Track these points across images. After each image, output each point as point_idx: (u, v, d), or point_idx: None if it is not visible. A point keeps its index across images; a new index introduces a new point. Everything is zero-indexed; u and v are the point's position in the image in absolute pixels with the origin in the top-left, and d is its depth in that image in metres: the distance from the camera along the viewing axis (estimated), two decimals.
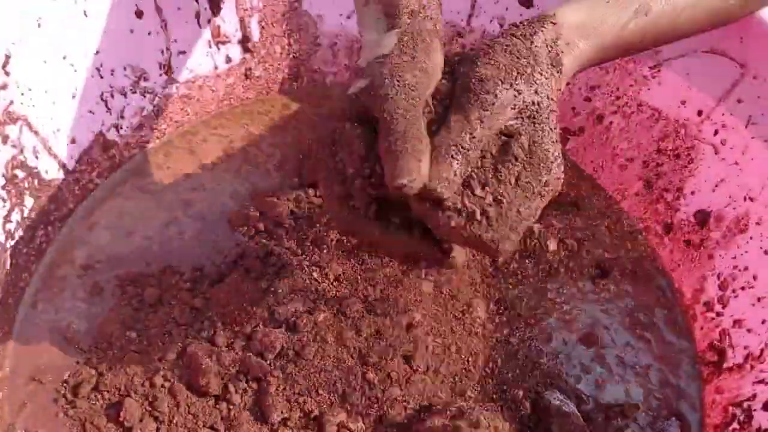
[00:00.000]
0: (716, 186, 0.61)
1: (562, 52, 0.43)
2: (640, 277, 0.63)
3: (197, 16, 0.67)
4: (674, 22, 0.47)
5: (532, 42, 0.42)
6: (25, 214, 0.59)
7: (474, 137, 0.39)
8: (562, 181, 0.42)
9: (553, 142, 0.41)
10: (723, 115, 0.59)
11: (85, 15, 0.59)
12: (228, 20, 0.69)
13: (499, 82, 0.40)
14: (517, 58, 0.41)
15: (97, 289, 0.58)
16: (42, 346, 0.55)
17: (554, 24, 0.43)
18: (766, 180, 0.57)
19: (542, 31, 0.43)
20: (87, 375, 0.52)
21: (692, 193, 0.63)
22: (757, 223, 0.57)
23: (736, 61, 0.57)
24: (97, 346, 0.54)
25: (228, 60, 0.71)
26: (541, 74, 0.42)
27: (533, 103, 0.41)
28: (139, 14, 0.63)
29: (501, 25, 0.69)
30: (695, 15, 0.48)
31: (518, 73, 0.41)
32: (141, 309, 0.56)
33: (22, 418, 0.51)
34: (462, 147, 0.39)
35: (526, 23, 0.44)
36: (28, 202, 0.59)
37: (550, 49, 0.43)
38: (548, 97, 0.42)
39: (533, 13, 0.67)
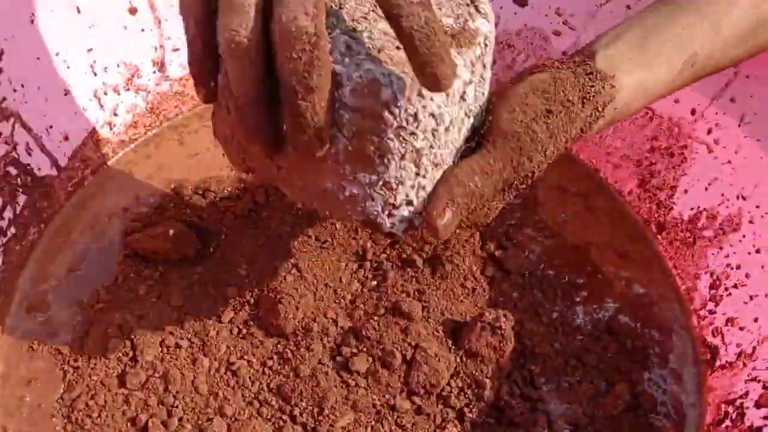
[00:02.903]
0: (709, 185, 0.61)
1: (607, 115, 0.42)
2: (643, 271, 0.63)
3: None
4: (721, 62, 0.46)
5: (590, 100, 0.41)
6: (18, 212, 0.58)
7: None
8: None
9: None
10: (716, 114, 0.60)
11: (78, 11, 0.59)
12: None
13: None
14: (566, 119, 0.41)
15: (88, 287, 0.58)
16: (35, 347, 0.55)
17: (613, 87, 0.42)
18: (758, 179, 0.57)
19: (602, 92, 0.42)
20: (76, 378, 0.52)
21: (685, 191, 0.63)
22: (750, 222, 0.58)
23: None
24: (85, 347, 0.54)
25: None
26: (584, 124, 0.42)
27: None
28: (132, 11, 0.63)
29: (495, 24, 0.69)
30: (743, 51, 0.46)
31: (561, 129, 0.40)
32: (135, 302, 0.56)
33: (15, 421, 0.51)
34: (480, 197, 0.39)
35: (590, 78, 0.42)
36: (21, 199, 0.59)
37: (598, 109, 0.42)
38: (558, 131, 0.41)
39: (527, 13, 0.67)
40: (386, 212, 0.40)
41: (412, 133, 0.37)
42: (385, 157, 0.37)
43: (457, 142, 0.40)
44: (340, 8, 0.38)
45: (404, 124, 0.36)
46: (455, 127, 0.39)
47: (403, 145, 0.37)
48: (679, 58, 0.44)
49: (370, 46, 0.36)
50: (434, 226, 0.38)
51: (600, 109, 0.42)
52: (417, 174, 0.39)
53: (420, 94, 0.36)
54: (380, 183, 0.38)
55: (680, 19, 0.44)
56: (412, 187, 0.39)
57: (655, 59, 0.43)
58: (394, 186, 0.39)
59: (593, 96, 0.41)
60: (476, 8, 0.41)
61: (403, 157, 0.38)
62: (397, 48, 0.36)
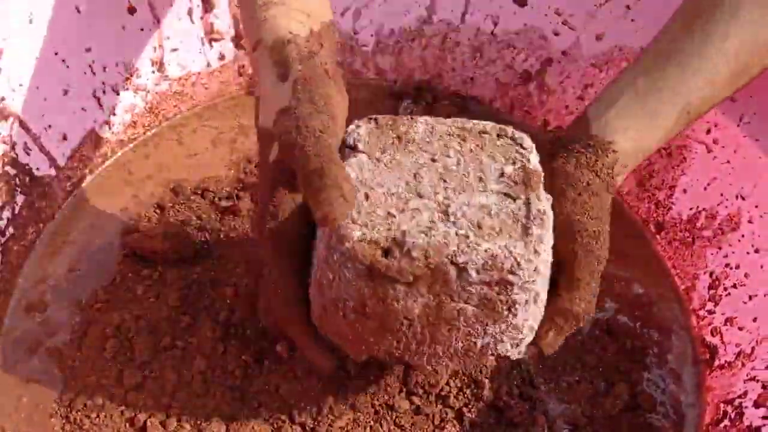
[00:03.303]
0: (708, 184, 0.61)
1: (618, 174, 0.45)
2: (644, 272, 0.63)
3: (190, 12, 0.67)
4: (714, 101, 0.47)
5: (598, 174, 0.44)
6: (16, 211, 0.58)
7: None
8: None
9: (587, 284, 0.44)
10: (715, 114, 0.60)
11: (78, 11, 0.59)
12: (221, 17, 0.69)
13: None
14: (588, 194, 0.44)
15: (87, 287, 0.58)
16: (33, 346, 0.55)
17: (615, 152, 0.45)
18: (757, 178, 0.57)
19: (606, 160, 0.44)
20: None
21: (684, 191, 0.63)
22: (749, 222, 0.58)
23: None
24: (83, 347, 0.54)
25: (221, 57, 0.71)
26: (600, 211, 0.44)
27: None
28: (131, 10, 0.63)
29: (495, 24, 0.69)
30: (736, 87, 0.48)
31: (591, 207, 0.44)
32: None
33: (13, 421, 0.51)
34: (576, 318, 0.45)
35: (590, 150, 0.45)
36: (19, 199, 0.58)
37: (608, 174, 0.44)
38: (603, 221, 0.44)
39: (527, 12, 0.67)
40: (514, 345, 0.43)
41: (534, 281, 0.40)
42: (513, 308, 0.40)
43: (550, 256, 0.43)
44: (421, 197, 0.41)
45: (527, 279, 0.39)
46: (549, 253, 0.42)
47: (527, 293, 0.40)
48: (674, 110, 0.45)
49: (471, 223, 0.40)
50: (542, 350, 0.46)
51: (608, 173, 0.44)
52: (537, 308, 0.42)
53: (536, 251, 0.39)
54: (509, 328, 0.42)
55: (673, 74, 0.45)
56: (533, 318, 0.43)
57: (652, 117, 0.45)
58: (521, 326, 0.42)
59: (600, 172, 0.44)
60: (522, 146, 0.44)
61: (527, 302, 0.41)
62: (489, 215, 0.40)
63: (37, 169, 0.60)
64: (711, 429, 0.53)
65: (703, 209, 0.61)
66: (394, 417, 0.50)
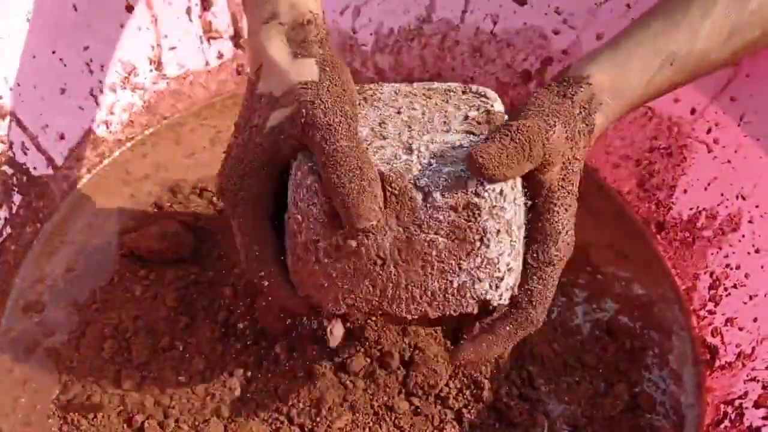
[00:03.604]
0: (709, 184, 0.61)
1: (595, 111, 0.44)
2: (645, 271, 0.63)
3: (188, 11, 0.67)
4: (704, 61, 0.47)
5: (572, 101, 0.43)
6: (14, 211, 0.58)
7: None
8: (572, 248, 0.44)
9: (566, 209, 0.43)
10: (716, 113, 0.59)
11: (75, 9, 0.59)
12: (219, 16, 0.69)
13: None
14: (565, 117, 0.42)
15: (84, 287, 0.58)
16: (31, 347, 0.54)
17: (590, 85, 0.44)
18: (758, 178, 0.57)
19: (580, 92, 0.43)
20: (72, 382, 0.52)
21: (685, 191, 0.63)
22: (750, 222, 0.57)
23: None
24: (81, 348, 0.54)
25: (219, 56, 0.71)
26: (574, 140, 0.43)
27: (569, 161, 0.43)
28: (129, 9, 0.63)
29: (495, 23, 0.69)
30: (728, 52, 0.47)
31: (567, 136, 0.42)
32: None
33: (10, 422, 0.51)
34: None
35: (564, 83, 0.44)
36: (17, 198, 0.58)
37: (584, 108, 0.43)
38: (577, 158, 0.43)
39: (527, 11, 0.67)
40: (494, 286, 0.42)
41: (502, 208, 0.40)
42: (484, 237, 0.40)
43: (521, 196, 0.43)
44: (385, 138, 0.42)
45: (495, 202, 0.39)
46: (520, 191, 0.42)
47: (497, 221, 0.40)
48: (655, 56, 0.45)
49: (434, 154, 0.40)
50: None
51: (585, 107, 0.43)
52: (511, 242, 0.41)
53: None
54: (485, 263, 0.41)
55: (654, 26, 0.46)
56: (509, 254, 0.42)
57: (628, 58, 0.45)
58: (497, 260, 0.41)
59: (573, 97, 0.43)
60: (486, 96, 0.45)
61: (498, 232, 0.40)
62: (452, 148, 0.41)
63: (35, 168, 0.60)
64: (711, 430, 0.53)
65: (704, 209, 0.61)
66: (393, 418, 0.50)
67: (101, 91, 0.64)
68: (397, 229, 0.39)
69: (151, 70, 0.67)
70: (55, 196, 0.62)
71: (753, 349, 0.54)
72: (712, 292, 0.59)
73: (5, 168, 0.57)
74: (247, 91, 0.45)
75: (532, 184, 0.42)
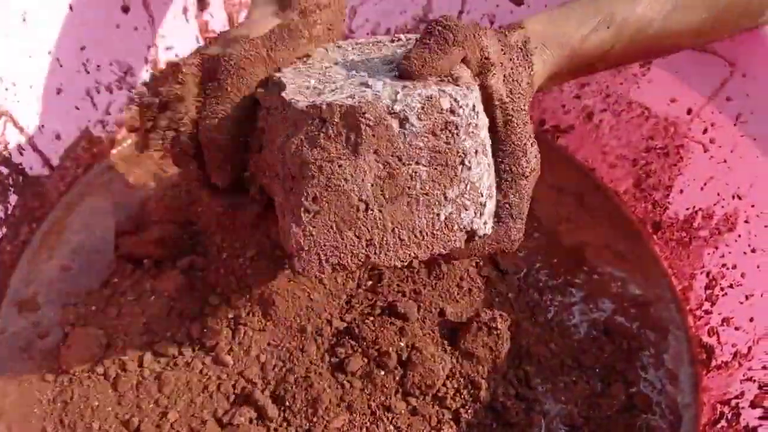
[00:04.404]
0: (705, 184, 0.61)
1: (532, 54, 0.45)
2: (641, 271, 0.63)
3: (185, 11, 0.67)
4: (645, 31, 0.48)
5: (506, 37, 0.44)
6: (9, 211, 0.58)
7: None
8: (539, 160, 0.45)
9: (524, 123, 0.43)
10: (712, 113, 0.60)
11: (71, 9, 0.59)
12: (216, 16, 0.69)
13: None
14: (501, 41, 0.44)
15: (80, 288, 0.57)
16: (25, 348, 0.54)
17: (522, 28, 0.46)
18: (754, 178, 0.57)
19: (514, 32, 0.45)
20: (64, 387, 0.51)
21: (681, 191, 0.63)
22: (746, 222, 0.57)
23: (726, 60, 0.57)
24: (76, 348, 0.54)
25: None
26: (513, 62, 0.44)
27: (511, 78, 0.44)
28: (125, 9, 0.63)
29: (491, 23, 0.69)
30: (671, 29, 0.48)
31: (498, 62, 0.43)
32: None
33: (5, 423, 0.50)
34: None
35: (499, 28, 0.46)
36: (12, 198, 0.58)
37: (521, 49, 0.45)
38: (521, 84, 0.44)
39: (524, 11, 0.67)
40: (479, 213, 0.41)
41: (476, 125, 0.39)
42: (465, 158, 0.39)
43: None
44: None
45: (470, 119, 0.39)
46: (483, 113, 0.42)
47: (474, 140, 0.39)
48: (592, 15, 0.46)
49: (393, 81, 0.40)
50: None
51: (521, 47, 0.45)
52: (488, 165, 0.41)
53: (468, 88, 0.39)
54: (468, 188, 0.40)
55: None
56: (488, 177, 0.41)
57: (564, 14, 0.47)
58: (478, 184, 0.40)
59: (508, 35, 0.45)
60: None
61: (477, 152, 0.40)
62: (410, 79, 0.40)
63: (30, 168, 0.60)
64: (708, 429, 0.53)
65: (700, 209, 0.61)
66: (390, 418, 0.50)
67: (97, 92, 0.64)
68: (377, 165, 0.38)
69: (147, 70, 0.67)
70: (50, 196, 0.62)
71: (749, 348, 0.54)
72: (708, 291, 0.59)
73: (1, 168, 0.56)
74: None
75: (483, 95, 0.43)
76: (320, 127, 0.38)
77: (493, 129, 0.43)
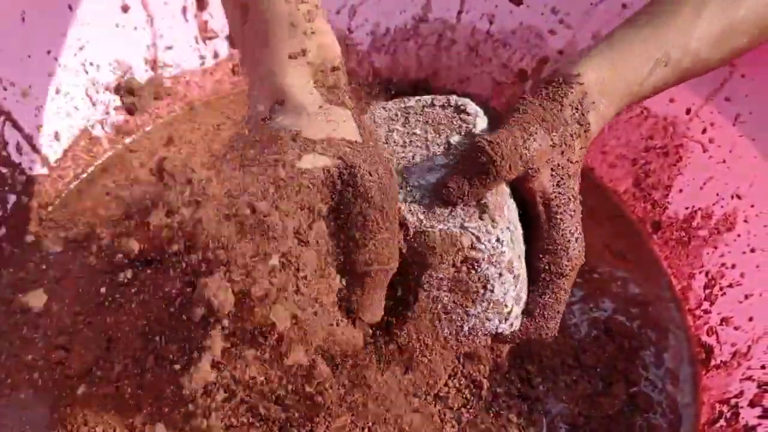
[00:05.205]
0: (704, 184, 0.61)
1: (588, 111, 0.43)
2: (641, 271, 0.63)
3: (184, 11, 0.67)
4: (696, 62, 0.47)
5: (562, 106, 0.42)
6: (8, 211, 0.58)
7: None
8: (583, 254, 0.44)
9: (571, 215, 0.42)
10: (711, 113, 0.60)
11: (70, 9, 0.58)
12: (215, 15, 0.68)
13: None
14: (551, 122, 0.41)
15: (77, 289, 0.57)
16: (21, 353, 0.54)
17: (581, 84, 0.43)
18: (753, 178, 0.57)
19: (571, 93, 0.43)
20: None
21: (680, 190, 0.63)
22: (745, 221, 0.58)
23: None
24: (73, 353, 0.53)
25: (215, 55, 0.71)
26: (572, 137, 0.42)
27: (560, 166, 0.42)
28: (125, 9, 0.63)
29: (491, 22, 0.69)
30: (718, 55, 0.47)
31: (554, 140, 0.41)
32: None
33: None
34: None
35: (554, 84, 0.43)
36: (11, 198, 0.58)
37: (577, 109, 0.43)
38: (572, 161, 0.42)
39: (523, 11, 0.67)
40: (503, 320, 0.43)
41: (501, 252, 0.40)
42: (488, 284, 0.40)
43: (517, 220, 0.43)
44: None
45: (493, 251, 0.40)
46: (514, 217, 0.42)
47: (497, 266, 0.40)
48: (649, 56, 0.45)
49: (424, 208, 0.40)
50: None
51: (578, 108, 0.42)
52: (514, 276, 0.41)
53: (493, 221, 0.40)
54: (491, 305, 0.41)
55: (647, 27, 0.45)
56: (514, 288, 0.42)
57: (621, 57, 0.44)
58: (502, 299, 0.41)
59: (563, 99, 0.42)
60: (465, 111, 0.44)
61: (500, 275, 0.40)
62: (438, 197, 0.41)
63: (30, 168, 0.59)
64: (707, 429, 0.53)
65: (699, 209, 0.61)
66: (392, 418, 0.50)
67: (97, 91, 0.64)
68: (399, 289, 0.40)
69: (146, 70, 0.67)
70: (49, 196, 0.62)
71: (748, 348, 0.54)
72: (707, 291, 0.60)
73: (1, 168, 0.56)
74: (254, 116, 0.43)
75: (525, 194, 0.42)
76: None
77: (536, 224, 0.42)
